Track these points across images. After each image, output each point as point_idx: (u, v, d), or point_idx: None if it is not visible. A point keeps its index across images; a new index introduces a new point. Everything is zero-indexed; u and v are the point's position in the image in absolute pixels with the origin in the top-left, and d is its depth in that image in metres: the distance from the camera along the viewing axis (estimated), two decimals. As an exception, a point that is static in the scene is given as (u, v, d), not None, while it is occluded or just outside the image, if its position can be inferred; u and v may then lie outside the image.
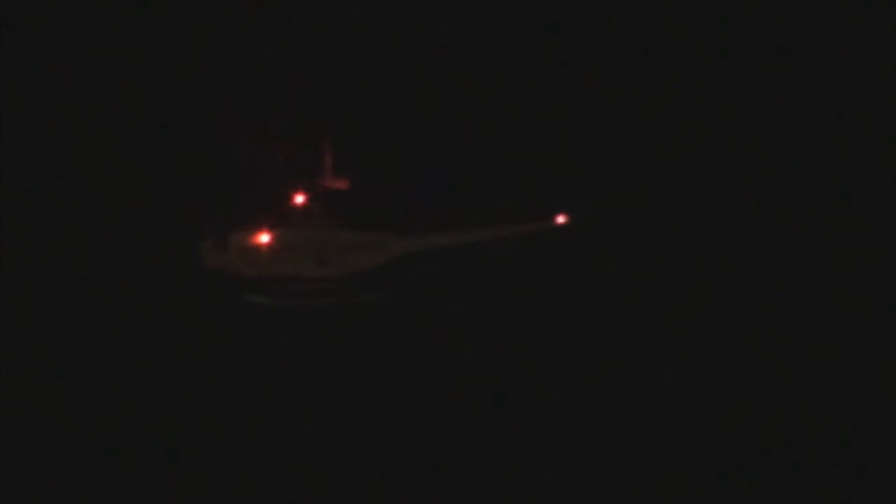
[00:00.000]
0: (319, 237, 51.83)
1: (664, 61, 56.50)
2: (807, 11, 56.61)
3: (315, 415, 50.25)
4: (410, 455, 49.51)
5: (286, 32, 55.44)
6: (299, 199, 51.57)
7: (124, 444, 48.59)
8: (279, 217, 51.57)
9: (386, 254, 52.53)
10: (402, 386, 51.18)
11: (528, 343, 52.49)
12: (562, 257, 53.81)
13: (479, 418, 50.67)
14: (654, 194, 55.45)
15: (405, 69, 55.79)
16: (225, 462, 48.67)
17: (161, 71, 54.61)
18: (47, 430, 48.42)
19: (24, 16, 54.58)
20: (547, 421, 50.48)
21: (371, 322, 52.04)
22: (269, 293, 51.55)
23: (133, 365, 50.21)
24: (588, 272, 53.85)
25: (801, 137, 56.25)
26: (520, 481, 48.90)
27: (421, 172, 54.20)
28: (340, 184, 51.99)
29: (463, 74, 55.83)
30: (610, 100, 56.30)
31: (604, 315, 53.06)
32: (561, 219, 53.69)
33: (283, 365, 51.11)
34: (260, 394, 50.26)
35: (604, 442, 49.69)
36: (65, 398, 49.41)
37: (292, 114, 53.84)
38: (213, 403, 49.98)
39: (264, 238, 51.31)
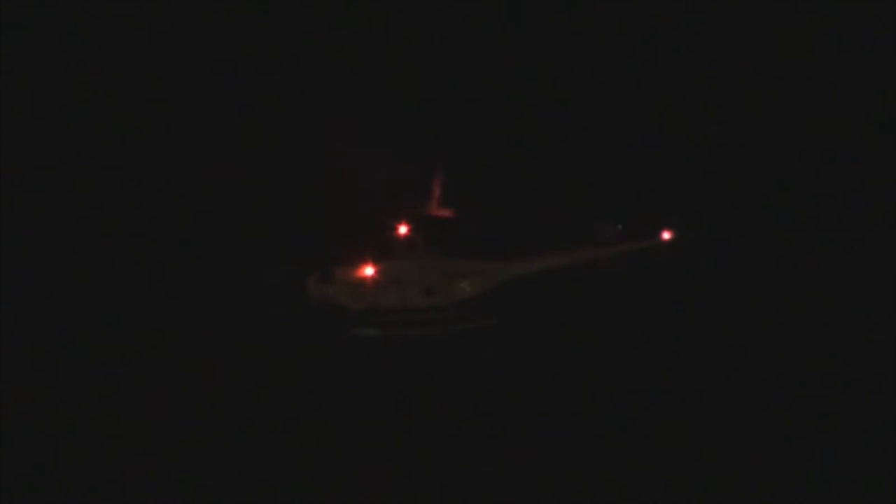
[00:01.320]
0: (424, 267, 51.56)
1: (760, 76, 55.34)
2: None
3: (431, 444, 50.42)
4: (527, 479, 49.82)
5: (387, 63, 54.97)
6: (402, 229, 51.29)
7: (242, 482, 49.35)
8: (383, 249, 51.35)
9: (492, 280, 52.14)
10: (516, 412, 51.19)
11: (642, 362, 52.15)
12: (671, 273, 53.09)
13: (598, 442, 50.61)
14: (755, 203, 54.54)
15: (494, 93, 55.08)
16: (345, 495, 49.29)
17: (260, 107, 54.32)
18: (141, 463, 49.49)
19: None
20: (673, 443, 50.40)
21: (482, 349, 51.86)
22: (378, 325, 51.43)
23: (247, 405, 50.55)
24: (700, 286, 53.17)
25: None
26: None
27: (522, 195, 53.61)
28: (444, 212, 51.73)
29: (555, 97, 55.05)
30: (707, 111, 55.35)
31: (718, 330, 52.51)
32: (667, 234, 52.85)
33: (397, 396, 51.19)
34: (376, 426, 50.47)
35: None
36: (173, 433, 50.14)
37: (392, 144, 53.34)
38: (330, 438, 50.32)
39: (369, 271, 51.09)
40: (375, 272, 51.22)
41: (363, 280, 51.21)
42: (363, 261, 51.05)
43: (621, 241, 52.68)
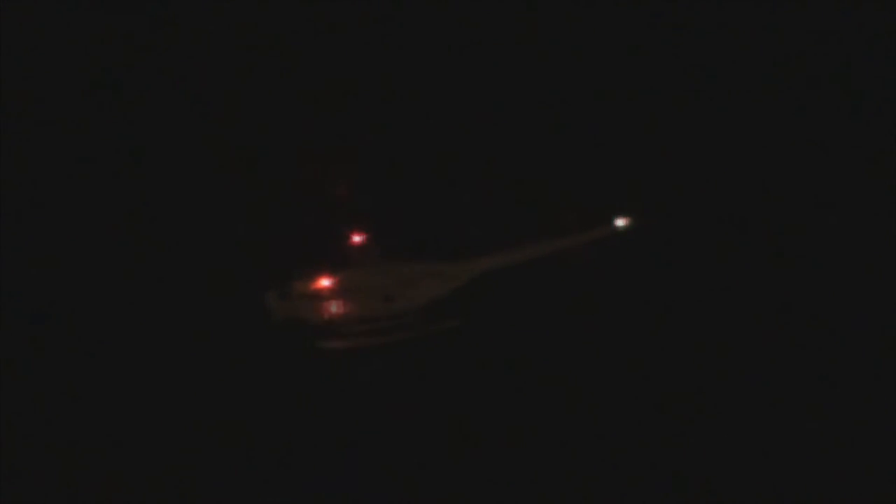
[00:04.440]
0: (382, 273, 51.40)
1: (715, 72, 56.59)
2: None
3: (412, 452, 48.79)
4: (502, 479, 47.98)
5: (332, 74, 56.37)
6: (356, 238, 51.47)
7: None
8: (339, 260, 51.35)
9: (450, 281, 51.77)
10: (490, 411, 49.75)
11: (617, 354, 50.97)
12: (632, 260, 52.77)
13: (571, 440, 48.94)
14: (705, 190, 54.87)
15: (431, 98, 56.26)
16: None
17: (206, 129, 55.26)
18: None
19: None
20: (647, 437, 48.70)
21: (448, 351, 50.94)
22: (342, 336, 50.78)
23: (224, 427, 49.14)
24: (664, 272, 52.71)
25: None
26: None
27: (471, 196, 53.99)
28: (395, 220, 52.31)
29: (493, 95, 56.28)
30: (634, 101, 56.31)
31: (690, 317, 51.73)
32: (621, 221, 52.91)
33: (369, 404, 49.92)
34: (355, 436, 48.99)
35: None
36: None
37: (337, 156, 54.20)
38: (314, 455, 48.78)
39: (326, 282, 50.86)
40: (333, 283, 50.97)
41: (322, 292, 50.90)
42: (320, 273, 50.90)
43: (574, 231, 52.60)
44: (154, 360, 49.91)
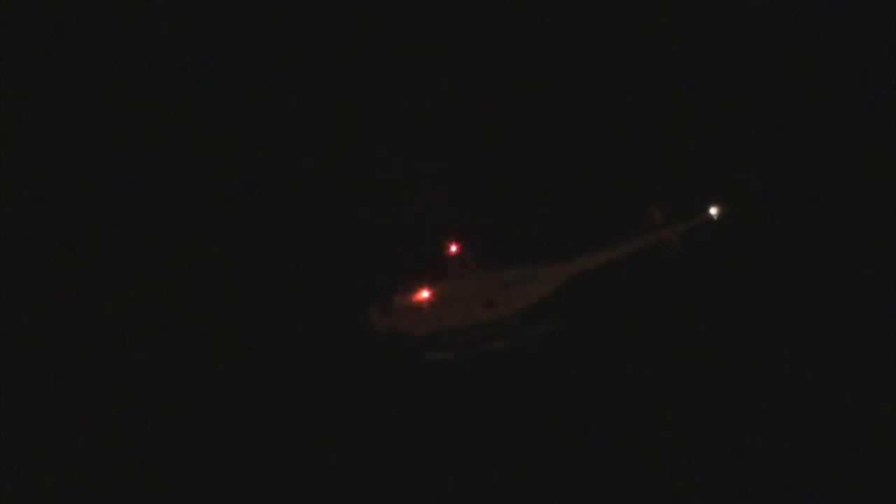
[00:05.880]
0: (480, 281, 51.55)
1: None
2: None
3: (532, 460, 50.22)
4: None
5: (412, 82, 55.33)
6: (452, 247, 51.49)
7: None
8: (437, 270, 51.55)
9: (549, 283, 51.84)
10: (604, 415, 50.77)
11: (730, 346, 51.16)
12: (730, 251, 52.22)
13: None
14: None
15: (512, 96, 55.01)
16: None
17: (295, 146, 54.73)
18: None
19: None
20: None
21: (555, 354, 51.58)
22: (447, 346, 51.51)
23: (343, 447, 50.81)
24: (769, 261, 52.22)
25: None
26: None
27: (557, 196, 53.49)
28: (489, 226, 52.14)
29: (568, 91, 54.91)
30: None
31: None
32: (714, 210, 52.10)
33: (481, 413, 51.15)
34: (469, 446, 50.49)
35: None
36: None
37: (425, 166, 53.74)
38: (427, 469, 50.48)
39: (426, 294, 51.25)
40: (433, 294, 51.33)
41: (423, 304, 51.35)
42: (419, 285, 51.22)
43: (668, 223, 51.90)
44: (257, 379, 51.30)
